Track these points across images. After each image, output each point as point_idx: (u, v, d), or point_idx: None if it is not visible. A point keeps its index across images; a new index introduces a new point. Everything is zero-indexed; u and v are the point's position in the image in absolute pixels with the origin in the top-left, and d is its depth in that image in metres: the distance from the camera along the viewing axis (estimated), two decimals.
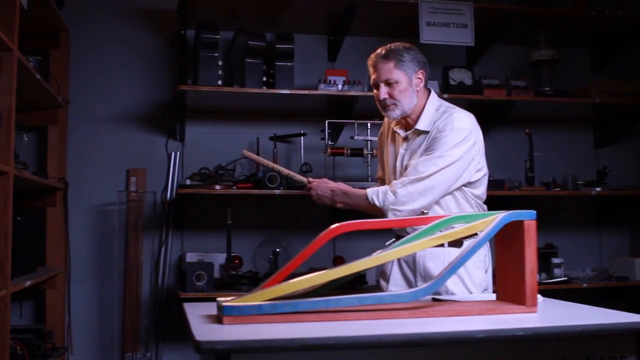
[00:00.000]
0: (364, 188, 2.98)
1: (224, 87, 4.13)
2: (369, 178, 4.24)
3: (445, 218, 2.25)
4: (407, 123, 2.97)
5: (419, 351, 1.87)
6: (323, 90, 4.23)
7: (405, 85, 2.86)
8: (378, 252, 2.17)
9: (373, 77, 2.93)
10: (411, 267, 2.93)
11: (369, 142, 4.24)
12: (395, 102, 2.87)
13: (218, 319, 1.99)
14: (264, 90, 4.16)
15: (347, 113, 4.34)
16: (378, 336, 1.77)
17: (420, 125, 2.89)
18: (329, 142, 4.32)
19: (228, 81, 4.23)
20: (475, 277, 2.87)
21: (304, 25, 4.53)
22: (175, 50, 4.50)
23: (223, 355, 1.67)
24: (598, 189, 4.56)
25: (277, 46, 4.21)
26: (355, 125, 4.23)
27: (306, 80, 4.45)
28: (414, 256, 2.90)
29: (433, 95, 2.96)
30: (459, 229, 2.20)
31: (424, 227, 2.21)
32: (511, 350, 1.95)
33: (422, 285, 2.10)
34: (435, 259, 2.84)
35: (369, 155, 4.25)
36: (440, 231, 2.21)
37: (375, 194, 2.87)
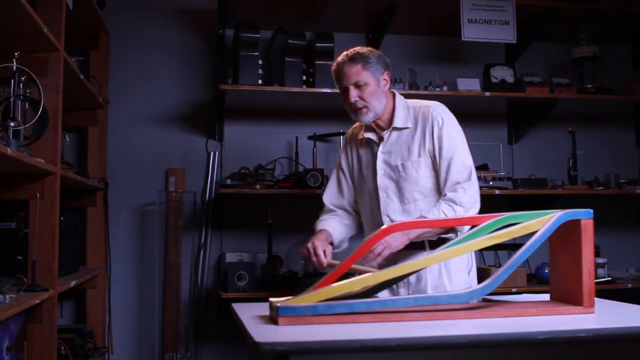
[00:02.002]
0: None
1: (264, 86, 4.12)
2: None
3: (499, 217, 2.21)
4: (378, 126, 2.94)
5: (479, 352, 1.84)
6: None
7: (374, 87, 2.82)
8: (428, 252, 2.14)
9: (341, 82, 2.87)
10: None
11: None
12: (366, 104, 2.82)
13: (272, 320, 1.98)
14: (304, 89, 4.14)
15: None
16: (439, 337, 1.75)
17: (397, 123, 2.88)
18: None
19: (268, 80, 4.21)
20: (456, 279, 2.81)
21: (343, 24, 4.50)
22: (214, 49, 4.50)
23: (282, 357, 1.65)
24: None
25: (317, 45, 4.18)
26: None
27: None
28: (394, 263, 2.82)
29: (398, 95, 2.95)
30: (513, 229, 2.16)
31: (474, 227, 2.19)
32: (570, 351, 1.91)
33: (478, 286, 2.07)
34: None
35: None
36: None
37: (440, 212, 2.72)
